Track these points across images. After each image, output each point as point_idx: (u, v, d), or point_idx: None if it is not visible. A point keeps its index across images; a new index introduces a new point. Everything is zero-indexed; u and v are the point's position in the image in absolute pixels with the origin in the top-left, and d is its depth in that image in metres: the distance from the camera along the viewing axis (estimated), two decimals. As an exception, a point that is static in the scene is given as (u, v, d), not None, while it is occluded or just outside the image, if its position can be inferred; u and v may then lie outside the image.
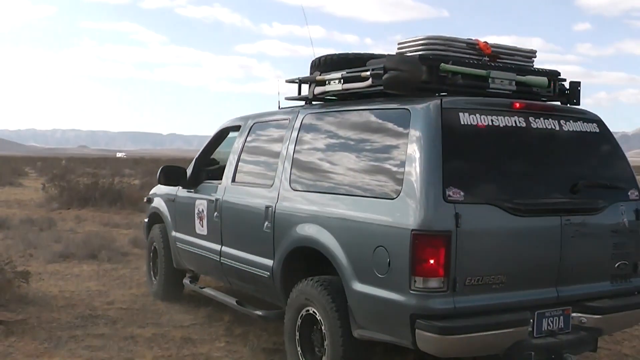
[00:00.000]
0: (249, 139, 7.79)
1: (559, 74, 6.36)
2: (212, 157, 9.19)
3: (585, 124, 6.07)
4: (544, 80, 6.15)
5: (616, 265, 5.89)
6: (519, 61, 6.25)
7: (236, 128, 8.26)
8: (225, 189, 7.75)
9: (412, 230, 5.00)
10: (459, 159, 5.28)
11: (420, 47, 5.85)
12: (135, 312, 8.83)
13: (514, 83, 5.99)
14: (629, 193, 6.07)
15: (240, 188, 7.54)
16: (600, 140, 6.17)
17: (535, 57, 6.40)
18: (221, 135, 8.84)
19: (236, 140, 8.03)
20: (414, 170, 5.17)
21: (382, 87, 5.74)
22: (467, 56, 5.94)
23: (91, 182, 23.91)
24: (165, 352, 7.16)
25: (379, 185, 5.56)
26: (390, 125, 5.72)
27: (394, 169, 5.42)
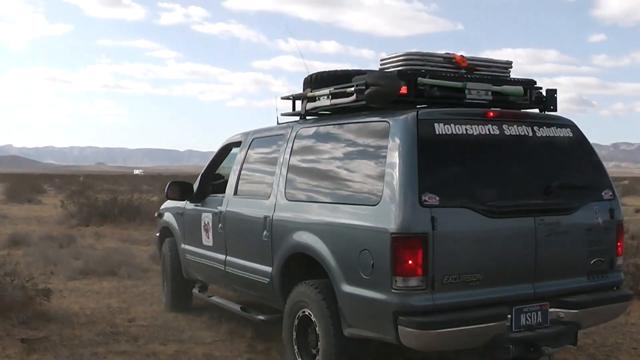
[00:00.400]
0: (249, 153, 8.21)
1: (534, 82, 6.72)
2: (217, 171, 9.53)
3: (558, 129, 6.42)
4: (519, 89, 6.53)
5: (592, 262, 6.22)
6: (495, 72, 6.62)
7: (238, 143, 8.67)
8: (228, 202, 8.18)
9: (392, 233, 5.42)
10: (434, 166, 5.68)
11: (400, 63, 6.28)
12: (156, 328, 8.88)
13: (490, 93, 6.36)
14: (603, 193, 6.42)
15: (242, 200, 7.97)
16: (574, 144, 6.51)
17: (511, 67, 6.76)
18: (225, 150, 9.25)
19: (238, 155, 8.45)
20: (393, 178, 5.58)
21: (365, 102, 6.17)
22: (444, 70, 6.34)
23: (110, 198, 24.12)
24: None
25: (362, 192, 5.97)
26: (372, 137, 6.13)
27: (376, 177, 5.83)
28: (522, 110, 6.65)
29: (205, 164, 9.63)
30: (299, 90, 7.49)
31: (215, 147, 9.40)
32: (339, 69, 7.37)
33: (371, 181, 5.89)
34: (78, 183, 56.96)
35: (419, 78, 6.07)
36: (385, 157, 5.78)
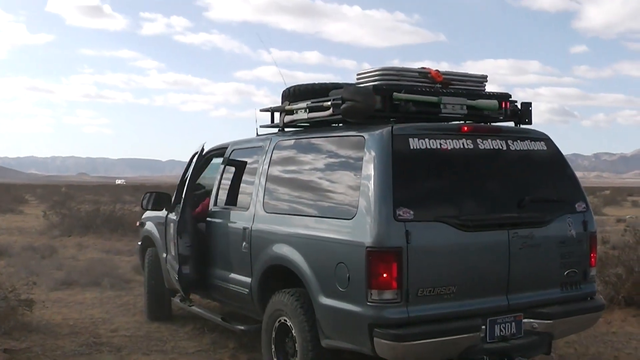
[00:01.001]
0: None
1: (509, 96, 6.81)
2: (197, 182, 9.45)
3: (532, 142, 6.51)
4: (494, 103, 6.61)
5: (565, 273, 6.33)
6: (470, 86, 6.73)
7: (218, 154, 8.74)
8: (209, 212, 8.26)
9: (367, 247, 5.52)
10: (409, 181, 5.77)
11: (376, 78, 6.37)
12: (139, 339, 8.93)
13: (465, 107, 6.46)
14: (576, 205, 6.52)
15: (221, 211, 8.03)
16: (548, 157, 6.60)
17: (486, 81, 6.87)
18: (206, 161, 9.26)
19: (219, 166, 8.51)
20: (368, 192, 5.67)
21: (341, 116, 6.27)
22: (420, 84, 6.42)
23: (92, 209, 24.04)
24: None
25: (338, 205, 6.06)
26: (348, 151, 6.22)
27: (351, 191, 5.92)
28: (496, 124, 6.75)
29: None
30: (280, 101, 7.57)
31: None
32: (317, 81, 7.44)
33: (347, 195, 5.97)
34: (60, 193, 56.66)
35: (395, 93, 6.16)
36: (360, 171, 5.87)
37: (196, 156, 8.50)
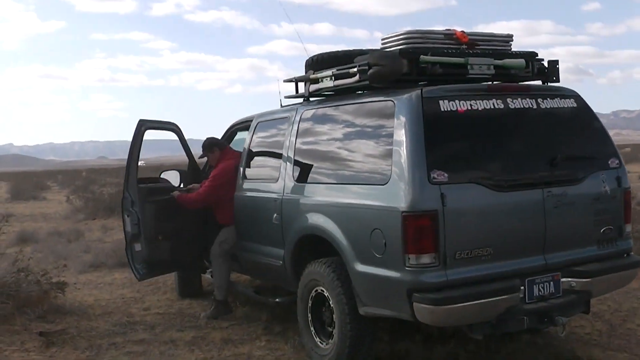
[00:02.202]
0: (255, 137, 8.28)
1: (536, 54, 6.74)
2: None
3: (562, 100, 6.43)
4: (521, 62, 6.54)
5: (601, 230, 6.27)
6: (496, 46, 6.64)
7: (243, 127, 8.79)
8: (237, 186, 8.26)
9: (402, 212, 5.47)
10: (442, 143, 5.72)
11: (401, 42, 6.29)
12: (172, 316, 8.97)
13: (492, 67, 6.39)
14: (609, 162, 6.44)
15: (251, 184, 8.05)
16: (578, 115, 6.52)
17: (512, 40, 6.77)
18: (230, 135, 9.35)
19: (245, 139, 8.52)
20: (401, 157, 5.62)
21: (368, 82, 6.22)
22: (445, 46, 6.36)
23: (115, 191, 24.07)
24: (207, 354, 7.28)
25: (371, 172, 6.02)
26: (377, 116, 6.18)
27: (383, 156, 5.88)
28: (525, 83, 6.67)
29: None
30: (295, 73, 7.54)
31: (215, 135, 9.36)
32: (336, 50, 7.41)
33: (379, 160, 5.93)
34: (81, 178, 56.92)
35: (421, 56, 6.10)
36: (391, 136, 5.82)
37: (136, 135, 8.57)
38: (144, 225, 8.45)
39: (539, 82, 6.81)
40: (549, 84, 6.77)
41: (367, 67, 6.17)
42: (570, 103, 6.50)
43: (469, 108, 5.88)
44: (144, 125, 8.76)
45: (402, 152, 5.63)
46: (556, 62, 6.81)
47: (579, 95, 6.62)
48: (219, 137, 9.37)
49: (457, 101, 5.85)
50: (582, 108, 6.57)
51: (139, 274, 8.70)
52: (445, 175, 5.52)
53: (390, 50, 6.26)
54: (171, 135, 9.21)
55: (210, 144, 8.84)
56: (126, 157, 8.71)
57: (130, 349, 7.57)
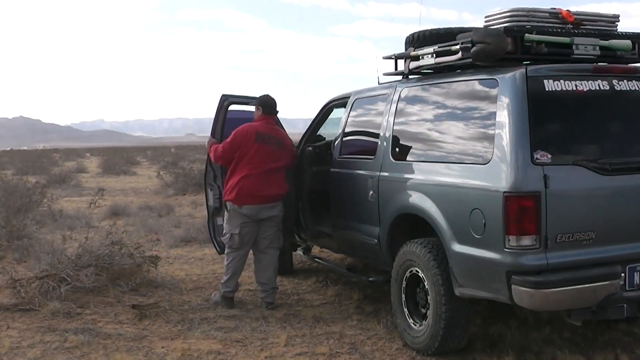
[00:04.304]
0: (352, 113, 8.22)
1: (644, 36, 6.52)
2: (317, 133, 9.51)
3: None
4: (627, 43, 6.33)
5: None
6: (602, 26, 6.44)
7: (340, 104, 8.72)
8: (333, 162, 8.22)
9: (504, 192, 5.37)
10: (545, 124, 5.61)
11: (505, 19, 6.17)
12: None
13: (597, 48, 6.21)
14: None
15: (346, 161, 8.00)
16: None
17: (618, 21, 6.56)
18: (326, 112, 9.27)
19: (342, 116, 8.46)
20: (503, 137, 5.52)
21: (471, 60, 6.10)
22: (551, 25, 6.21)
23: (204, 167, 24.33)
24: (298, 332, 7.30)
25: (472, 151, 5.93)
26: (480, 95, 6.07)
27: (485, 135, 5.78)
28: (632, 65, 6.45)
29: (292, 130, 9.60)
30: (385, 53, 7.42)
31: (302, 114, 9.27)
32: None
33: (481, 139, 5.84)
34: (170, 154, 57.82)
35: (526, 34, 5.96)
36: (494, 115, 5.72)
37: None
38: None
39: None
40: None
41: (470, 45, 6.06)
42: None
43: (574, 89, 5.73)
44: (227, 100, 8.82)
45: (505, 131, 5.53)
46: None
47: None
48: (315, 115, 9.33)
49: (561, 81, 5.69)
50: None
51: (220, 248, 8.77)
52: (549, 156, 5.40)
53: (495, 28, 6.13)
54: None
55: (260, 101, 8.56)
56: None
57: (222, 324, 7.63)
